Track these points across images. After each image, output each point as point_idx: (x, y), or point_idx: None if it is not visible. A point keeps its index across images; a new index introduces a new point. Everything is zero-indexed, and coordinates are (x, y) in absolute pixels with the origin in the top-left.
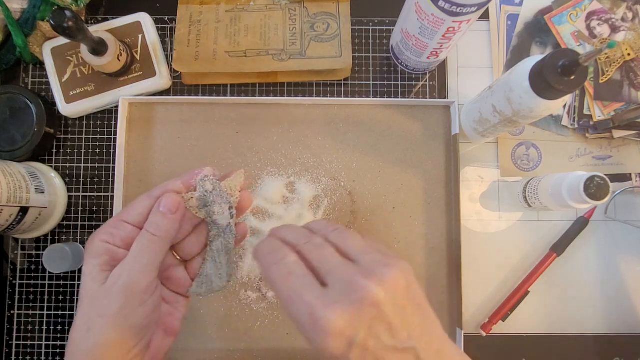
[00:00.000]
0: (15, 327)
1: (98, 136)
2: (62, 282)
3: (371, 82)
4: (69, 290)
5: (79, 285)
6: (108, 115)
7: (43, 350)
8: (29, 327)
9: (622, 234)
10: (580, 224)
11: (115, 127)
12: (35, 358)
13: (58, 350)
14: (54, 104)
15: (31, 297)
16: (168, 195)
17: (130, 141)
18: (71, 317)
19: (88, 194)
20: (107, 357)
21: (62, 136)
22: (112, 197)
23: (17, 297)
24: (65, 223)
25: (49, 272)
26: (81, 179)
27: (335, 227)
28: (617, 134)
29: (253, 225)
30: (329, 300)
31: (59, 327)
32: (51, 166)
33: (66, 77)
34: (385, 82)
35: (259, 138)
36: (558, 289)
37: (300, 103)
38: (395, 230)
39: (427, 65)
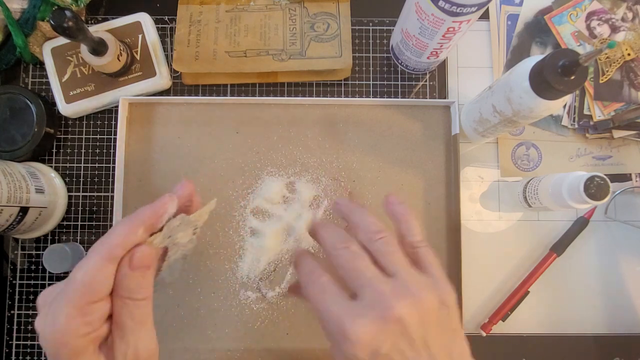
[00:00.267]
0: (15, 327)
1: (98, 136)
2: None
3: (371, 82)
4: None
5: None
6: (108, 115)
7: (43, 350)
8: (29, 327)
9: (622, 234)
10: (580, 224)
11: (115, 127)
12: (35, 358)
13: None
14: (54, 104)
15: (31, 297)
16: (140, 251)
17: (130, 141)
18: None
19: (88, 194)
20: None
21: (62, 136)
22: (112, 197)
23: (17, 297)
24: (65, 223)
25: (49, 272)
26: (81, 179)
27: (382, 235)
28: (617, 134)
29: (253, 226)
30: (357, 313)
31: None
32: (51, 166)
33: (66, 77)
34: (385, 82)
35: (259, 138)
36: (558, 289)
37: (300, 103)
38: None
39: (427, 65)
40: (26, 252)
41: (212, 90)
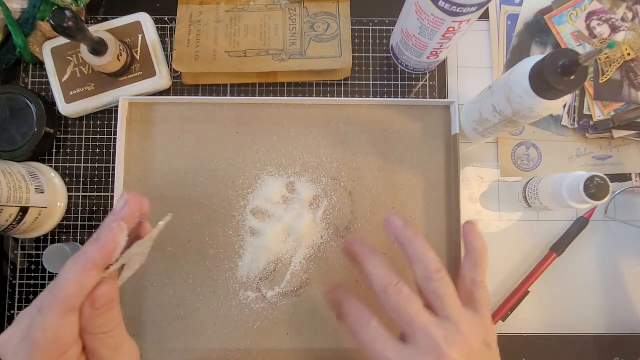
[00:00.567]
0: None
1: (98, 136)
2: None
3: (371, 82)
4: None
5: None
6: (108, 115)
7: None
8: None
9: (622, 234)
10: (580, 224)
11: (115, 127)
12: None
13: None
14: (54, 104)
15: (31, 297)
16: (98, 295)
17: (130, 141)
18: None
19: (88, 194)
20: None
21: (62, 136)
22: (112, 197)
23: (17, 297)
24: (65, 223)
25: (49, 272)
26: (81, 179)
27: (441, 274)
28: (617, 134)
29: (253, 226)
30: (409, 358)
31: None
32: (51, 166)
33: (66, 77)
34: (385, 82)
35: (258, 138)
36: (558, 289)
37: (301, 103)
38: None
39: (427, 65)
40: (26, 252)
41: (212, 90)
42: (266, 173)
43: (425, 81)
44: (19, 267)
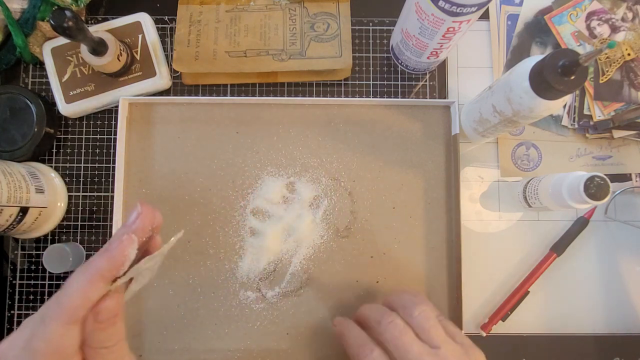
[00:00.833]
0: (15, 327)
1: (98, 136)
2: (62, 282)
3: (371, 82)
4: None
5: None
6: (108, 115)
7: None
8: None
9: (622, 234)
10: (580, 224)
11: (116, 127)
12: None
13: None
14: (54, 104)
15: (31, 297)
16: (102, 309)
17: (130, 141)
18: None
19: (88, 194)
20: None
21: (62, 136)
22: (112, 197)
23: (17, 297)
24: (65, 223)
25: (49, 272)
26: (81, 179)
27: (420, 309)
28: (617, 134)
29: (253, 225)
30: None
31: None
32: (51, 166)
33: (66, 77)
34: (385, 82)
35: (258, 138)
36: (558, 289)
37: (301, 103)
38: (395, 230)
39: (427, 65)
40: (26, 252)
41: (212, 90)
42: (266, 173)
43: (425, 81)
44: (19, 267)
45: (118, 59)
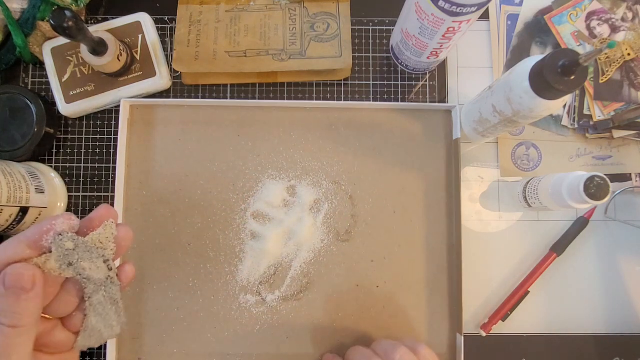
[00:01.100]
0: None
1: (98, 136)
2: None
3: (371, 82)
4: None
5: None
6: (108, 115)
7: None
8: None
9: (622, 234)
10: (580, 224)
11: (116, 127)
12: None
13: None
14: (54, 104)
15: None
16: (15, 268)
17: (131, 143)
18: None
19: (88, 194)
20: None
21: (62, 136)
22: (112, 197)
23: None
24: None
25: None
26: (81, 179)
27: (401, 353)
28: (617, 134)
29: (253, 229)
30: None
31: None
32: (51, 166)
33: (66, 77)
34: (385, 82)
35: (259, 141)
36: (558, 289)
37: (302, 106)
38: (396, 234)
39: (427, 65)
40: None
41: (212, 90)
42: (267, 176)
43: (425, 81)
44: None
45: (118, 59)
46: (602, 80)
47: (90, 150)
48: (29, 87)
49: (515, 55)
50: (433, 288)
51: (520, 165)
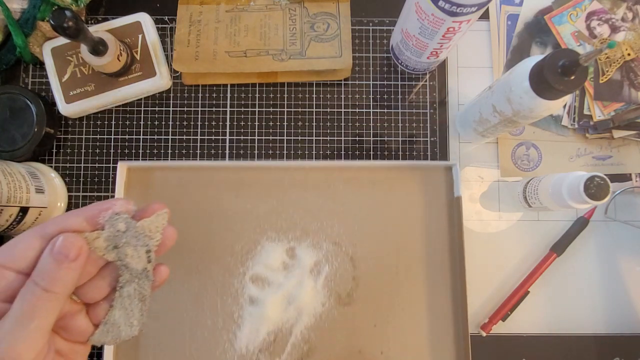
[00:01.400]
0: None
1: (98, 136)
2: None
3: (371, 82)
4: None
5: None
6: (108, 115)
7: None
8: None
9: (622, 234)
10: (580, 224)
11: (116, 127)
12: None
13: None
14: (54, 104)
15: None
16: (66, 237)
17: None
18: None
19: (88, 194)
20: None
21: (62, 136)
22: (112, 197)
23: None
24: None
25: None
26: (81, 179)
27: None
28: (617, 134)
29: (252, 293)
30: None
31: None
32: (51, 166)
33: (66, 77)
34: (385, 82)
35: (258, 202)
36: (558, 289)
37: (301, 166)
38: (399, 296)
39: (427, 65)
40: None
41: (212, 90)
42: (266, 238)
43: (425, 81)
44: None
45: (118, 59)
46: (602, 80)
47: (90, 150)
48: (29, 87)
49: (515, 55)
50: (438, 354)
51: (520, 165)
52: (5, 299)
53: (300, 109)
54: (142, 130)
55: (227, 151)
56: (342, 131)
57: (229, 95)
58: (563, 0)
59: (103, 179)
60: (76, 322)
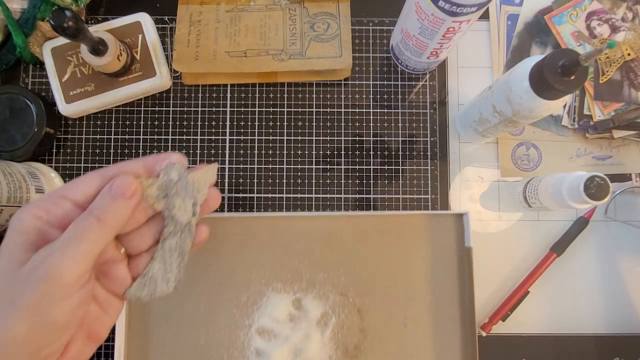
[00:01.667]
0: None
1: (98, 136)
2: None
3: (371, 82)
4: None
5: None
6: (108, 115)
7: None
8: None
9: (622, 234)
10: (580, 224)
11: (116, 127)
12: None
13: None
14: (54, 104)
15: None
16: (124, 177)
17: None
18: None
19: None
20: (13, 353)
21: (62, 136)
22: None
23: None
24: None
25: None
26: None
27: None
28: (617, 134)
29: (258, 346)
30: None
31: None
32: (51, 166)
33: (66, 77)
34: (385, 82)
35: (264, 252)
36: (558, 289)
37: (306, 216)
38: (408, 348)
39: (427, 65)
40: None
41: (212, 90)
42: (272, 289)
43: (425, 81)
44: None
45: (118, 59)
46: (602, 80)
47: (90, 150)
48: (29, 87)
49: (515, 55)
50: None
51: (520, 165)
52: (60, 226)
53: (300, 109)
54: (142, 130)
55: (227, 151)
56: (342, 131)
57: (229, 95)
58: (563, 0)
59: None
60: (117, 269)
